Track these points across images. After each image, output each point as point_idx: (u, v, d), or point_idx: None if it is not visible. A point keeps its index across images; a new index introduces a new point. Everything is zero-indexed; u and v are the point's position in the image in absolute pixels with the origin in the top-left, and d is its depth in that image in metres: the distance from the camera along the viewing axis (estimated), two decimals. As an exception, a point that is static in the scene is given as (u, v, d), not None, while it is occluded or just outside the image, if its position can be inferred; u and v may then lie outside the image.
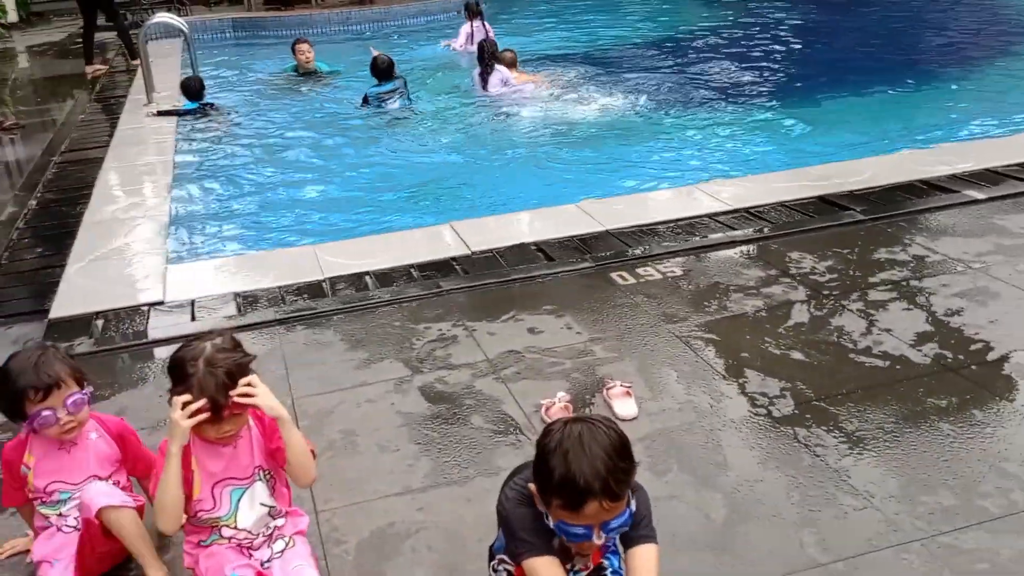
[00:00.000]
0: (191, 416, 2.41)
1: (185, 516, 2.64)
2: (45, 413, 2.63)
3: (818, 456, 3.19)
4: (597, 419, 2.13)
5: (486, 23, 11.62)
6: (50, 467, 2.75)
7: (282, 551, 2.66)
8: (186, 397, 2.41)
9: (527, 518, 2.20)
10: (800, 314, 4.28)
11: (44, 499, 2.76)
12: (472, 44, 10.76)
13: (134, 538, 2.65)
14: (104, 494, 2.67)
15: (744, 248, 5.11)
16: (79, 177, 7.30)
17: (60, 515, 2.76)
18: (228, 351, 2.52)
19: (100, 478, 2.79)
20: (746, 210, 5.67)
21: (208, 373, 2.43)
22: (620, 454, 2.06)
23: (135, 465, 2.90)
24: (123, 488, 2.85)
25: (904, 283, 4.53)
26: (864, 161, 6.53)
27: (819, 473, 3.10)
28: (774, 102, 8.94)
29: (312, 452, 2.69)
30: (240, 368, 2.50)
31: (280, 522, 2.71)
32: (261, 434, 2.64)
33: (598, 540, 2.27)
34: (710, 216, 5.60)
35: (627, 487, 2.11)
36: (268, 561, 2.64)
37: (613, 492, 2.05)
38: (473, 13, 11.74)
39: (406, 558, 2.82)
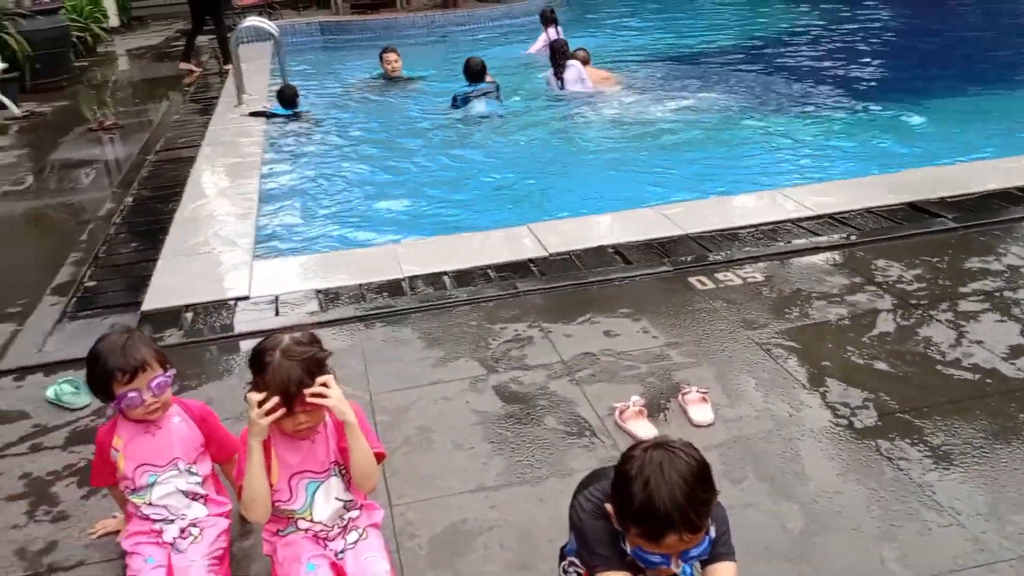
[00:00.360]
0: (267, 414, 2.47)
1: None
2: (131, 394, 2.73)
3: (901, 470, 3.10)
4: (678, 445, 2.08)
5: (559, 29, 11.66)
6: (137, 451, 2.84)
7: (355, 542, 2.71)
8: (260, 396, 2.48)
9: (602, 532, 2.19)
10: (886, 323, 4.17)
11: (133, 487, 2.86)
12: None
13: None
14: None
15: (828, 255, 5.00)
16: (172, 175, 7.56)
17: (150, 504, 2.84)
18: (305, 345, 2.58)
19: (184, 460, 2.88)
20: (831, 216, 5.54)
21: (283, 365, 2.49)
22: (701, 484, 2.03)
23: (218, 449, 2.98)
24: (208, 480, 2.93)
25: (997, 294, 4.37)
26: (958, 167, 6.33)
27: (902, 487, 3.01)
28: (862, 106, 8.72)
29: (381, 455, 2.73)
30: (316, 363, 2.56)
31: (355, 514, 2.76)
32: (335, 431, 2.69)
33: (675, 568, 2.25)
34: (793, 222, 5.49)
35: (707, 517, 2.07)
36: (342, 552, 2.69)
37: (693, 524, 2.02)
38: (548, 20, 11.81)
39: (478, 555, 2.85)
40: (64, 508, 3.23)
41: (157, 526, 2.83)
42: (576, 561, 2.39)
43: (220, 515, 2.94)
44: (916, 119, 8.18)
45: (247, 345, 4.43)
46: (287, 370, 2.49)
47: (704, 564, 2.22)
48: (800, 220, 5.52)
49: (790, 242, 5.18)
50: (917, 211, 5.51)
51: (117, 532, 2.98)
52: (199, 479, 2.92)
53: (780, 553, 2.75)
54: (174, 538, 2.82)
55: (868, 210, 5.59)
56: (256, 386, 2.55)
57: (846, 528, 2.84)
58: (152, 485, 2.84)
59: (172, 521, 2.84)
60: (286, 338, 2.57)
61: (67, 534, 3.09)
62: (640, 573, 2.26)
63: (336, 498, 2.73)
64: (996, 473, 3.05)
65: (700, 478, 2.03)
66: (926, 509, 2.89)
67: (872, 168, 6.76)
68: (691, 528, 2.03)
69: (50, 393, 3.99)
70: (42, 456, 3.58)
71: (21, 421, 3.86)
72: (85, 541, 3.03)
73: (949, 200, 5.61)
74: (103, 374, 2.72)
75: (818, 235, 5.25)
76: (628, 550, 2.14)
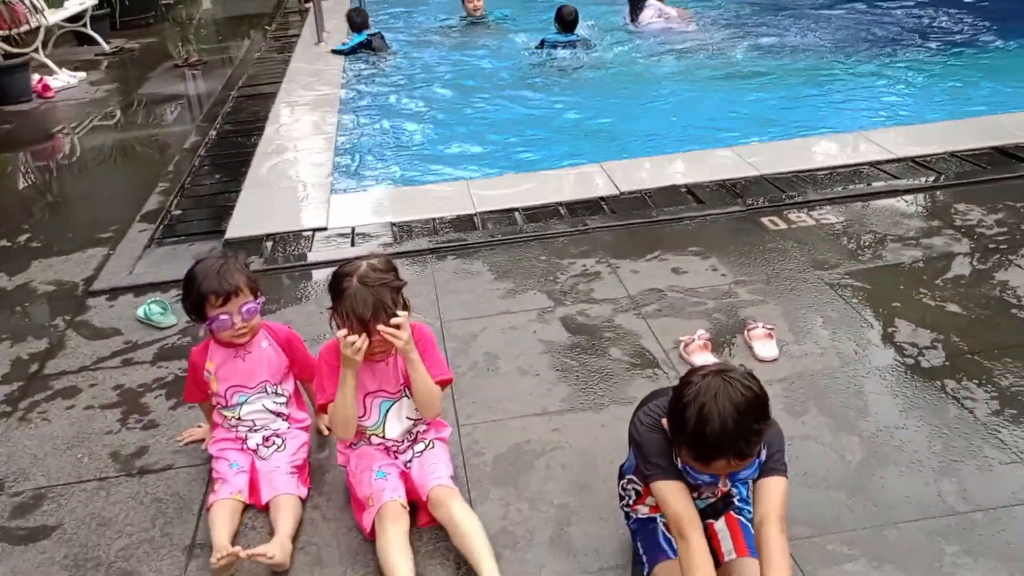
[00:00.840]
0: (356, 351, 2.60)
1: None
2: (223, 317, 2.87)
3: (966, 408, 3.09)
4: (737, 375, 2.09)
5: None
6: (229, 373, 3.01)
7: (422, 452, 2.84)
8: (348, 336, 2.59)
9: (659, 444, 2.25)
10: (961, 267, 4.10)
11: (224, 404, 3.03)
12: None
13: (285, 518, 2.76)
14: (283, 482, 2.87)
15: (907, 198, 4.91)
16: (254, 110, 7.76)
17: (239, 419, 3.02)
18: (382, 272, 2.67)
19: (272, 383, 3.04)
20: (912, 159, 5.42)
21: (359, 292, 2.59)
22: (755, 415, 2.05)
23: (300, 370, 3.14)
24: (291, 398, 3.09)
25: (1082, 240, 4.25)
26: (1050, 111, 6.08)
27: (965, 425, 3.00)
28: (951, 48, 8.39)
29: (447, 381, 2.84)
30: (391, 290, 2.65)
31: (423, 428, 2.89)
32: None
33: (723, 487, 2.31)
34: (872, 164, 5.39)
35: (757, 446, 2.11)
36: (410, 461, 2.83)
37: (742, 452, 2.07)
38: None
39: (539, 473, 2.95)
40: (154, 417, 3.44)
41: (243, 434, 3.01)
42: (635, 479, 2.48)
43: (301, 429, 3.11)
44: (1005, 62, 7.85)
45: (324, 273, 4.59)
46: (363, 297, 2.59)
47: (755, 478, 2.27)
48: (880, 163, 5.41)
49: (868, 184, 5.10)
50: (1003, 155, 5.36)
51: (202, 440, 3.17)
52: (284, 399, 3.09)
53: (837, 483, 2.79)
54: (257, 445, 3.00)
55: (952, 154, 5.45)
56: (335, 310, 2.68)
57: (905, 462, 2.85)
58: (242, 404, 3.01)
59: (257, 431, 3.02)
60: (364, 264, 2.66)
61: (156, 440, 3.30)
62: (695, 489, 2.34)
63: (407, 417, 2.86)
64: (1065, 416, 3.02)
65: (754, 409, 2.05)
66: (989, 447, 2.89)
67: (959, 112, 6.55)
68: (739, 456, 2.07)
69: (140, 312, 4.22)
70: (133, 370, 3.80)
71: (114, 337, 4.09)
72: (173, 447, 3.23)
73: (1037, 145, 5.43)
74: (198, 296, 2.86)
75: (897, 178, 5.15)
76: (679, 465, 2.21)
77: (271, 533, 2.74)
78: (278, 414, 3.06)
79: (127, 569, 2.68)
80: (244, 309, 2.90)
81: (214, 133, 7.25)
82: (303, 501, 2.87)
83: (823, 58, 8.34)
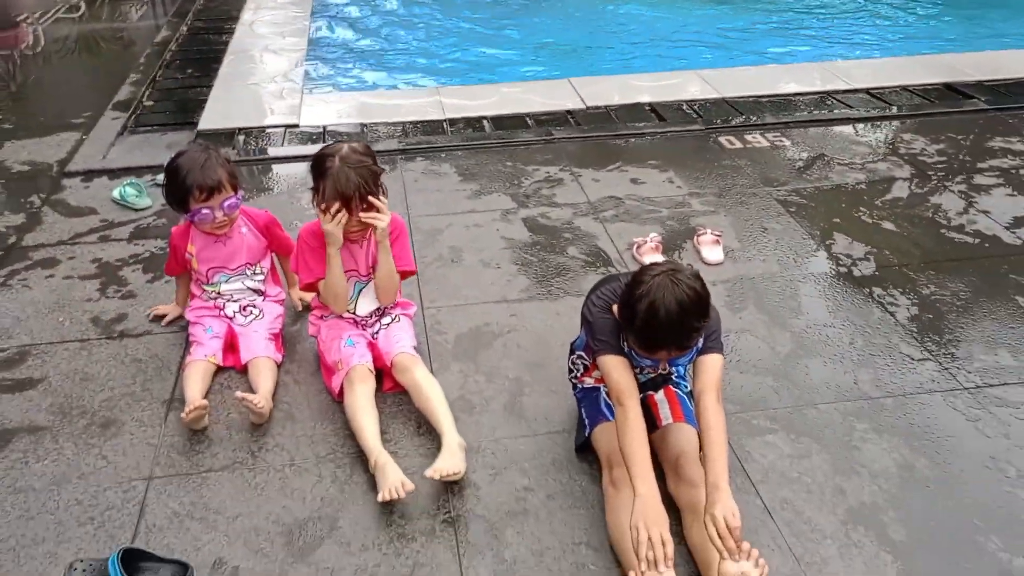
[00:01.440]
0: (333, 219, 2.77)
1: (316, 293, 3.05)
2: (204, 211, 2.99)
3: (889, 312, 3.38)
4: (684, 275, 2.26)
5: None
6: (209, 256, 3.16)
7: (388, 324, 3.06)
8: (334, 209, 2.75)
9: (608, 324, 2.46)
10: (900, 190, 4.37)
11: (205, 281, 3.20)
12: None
13: (266, 378, 2.95)
14: (261, 346, 3.06)
15: (858, 126, 5.15)
16: (224, 8, 7.75)
17: (219, 294, 3.20)
18: (361, 154, 2.82)
19: (251, 264, 3.21)
20: (867, 90, 5.66)
21: (342, 171, 2.75)
22: (697, 313, 2.24)
23: (278, 249, 3.30)
24: (268, 274, 3.28)
25: (1013, 171, 4.54)
26: (1001, 53, 6.34)
27: (886, 326, 3.29)
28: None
29: (410, 272, 3.05)
30: (372, 173, 2.80)
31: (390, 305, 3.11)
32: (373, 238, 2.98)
33: (663, 370, 2.55)
34: (829, 93, 5.62)
35: (696, 340, 2.33)
36: (376, 332, 3.05)
37: (683, 345, 2.29)
38: None
39: (497, 351, 3.19)
40: (132, 288, 3.61)
41: (221, 304, 3.19)
42: (583, 354, 2.72)
43: (275, 302, 3.30)
44: (970, 3, 8.08)
45: (295, 168, 4.74)
46: (346, 176, 2.74)
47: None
48: (835, 92, 5.64)
49: (823, 111, 5.33)
50: (952, 92, 5.61)
51: (164, 317, 3.34)
52: (262, 276, 3.27)
53: (766, 370, 3.07)
54: (235, 313, 3.19)
55: (905, 87, 5.69)
56: (316, 190, 2.83)
57: (829, 354, 3.14)
58: (222, 282, 3.19)
59: (235, 302, 3.20)
60: (345, 147, 2.81)
61: (135, 309, 3.47)
62: (637, 365, 2.59)
63: (376, 297, 3.06)
64: (976, 321, 3.31)
65: (696, 307, 2.25)
66: (905, 345, 3.18)
67: (916, 49, 6.79)
68: (680, 348, 2.30)
69: (115, 194, 4.34)
70: (110, 246, 3.95)
71: (90, 216, 4.22)
72: (149, 315, 3.41)
73: (986, 83, 5.70)
74: (181, 188, 2.96)
75: (850, 107, 5.39)
76: (625, 348, 2.44)
77: (248, 392, 2.95)
78: (256, 290, 3.25)
79: (110, 417, 2.88)
80: (226, 204, 3.01)
81: (185, 29, 7.24)
82: (278, 366, 3.08)
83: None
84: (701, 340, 2.41)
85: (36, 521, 2.48)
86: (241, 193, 3.11)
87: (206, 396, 2.93)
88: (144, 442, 2.77)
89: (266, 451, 2.74)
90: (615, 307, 2.43)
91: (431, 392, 2.80)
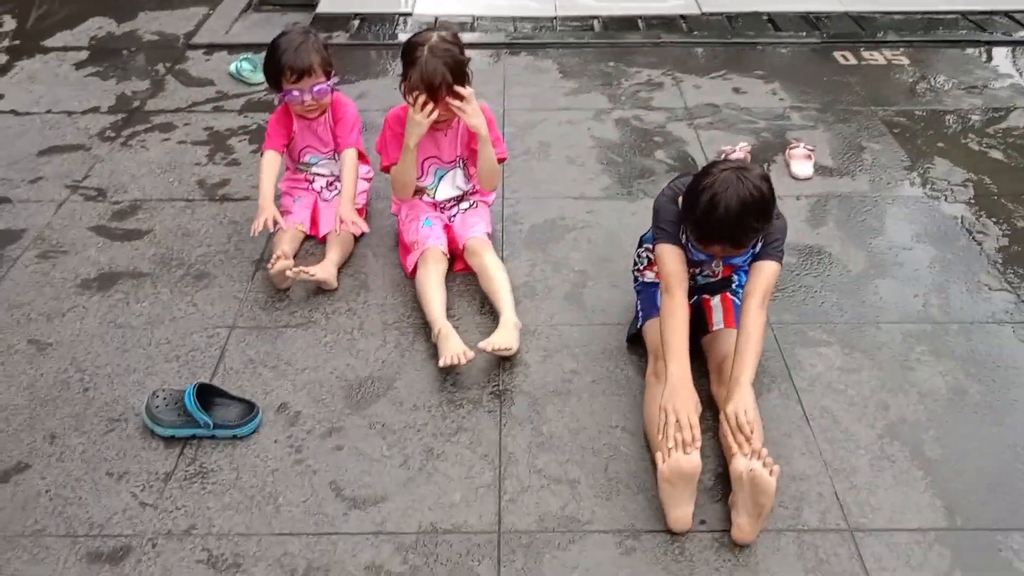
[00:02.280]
0: (423, 111, 2.85)
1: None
2: (295, 92, 3.10)
3: (976, 240, 3.28)
4: (751, 174, 2.26)
5: None
6: (302, 137, 3.30)
7: (466, 209, 3.18)
8: (421, 100, 2.84)
9: (672, 214, 2.49)
10: (1018, 119, 4.15)
11: (297, 158, 3.36)
12: None
13: (336, 248, 3.10)
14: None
15: (986, 49, 4.87)
16: None
17: (311, 172, 3.37)
18: (450, 43, 2.89)
19: (339, 151, 3.31)
20: (1006, 13, 5.30)
21: (429, 62, 2.81)
22: (757, 213, 2.24)
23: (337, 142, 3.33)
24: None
25: None
26: None
27: (969, 254, 3.20)
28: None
29: (502, 159, 3.11)
30: (457, 63, 2.86)
31: (470, 190, 3.22)
32: (465, 132, 3.07)
33: (717, 268, 2.57)
34: (963, 13, 5.30)
35: (752, 240, 2.34)
36: (454, 215, 3.18)
37: (738, 243, 2.31)
38: None
39: (568, 244, 3.28)
40: (236, 157, 3.85)
41: (310, 177, 3.38)
42: (650, 247, 2.77)
43: (364, 179, 3.45)
44: None
45: (403, 54, 4.85)
46: (432, 66, 2.81)
47: (752, 260, 2.53)
48: (971, 13, 5.31)
49: (951, 32, 5.05)
50: (1102, 19, 5.20)
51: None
52: None
53: (834, 285, 3.05)
54: (321, 188, 3.38)
55: (1050, 12, 5.31)
56: (405, 76, 2.91)
57: (903, 276, 3.09)
58: (313, 163, 3.36)
59: (323, 177, 3.38)
60: (434, 35, 2.87)
61: (237, 176, 3.71)
62: (696, 266, 2.63)
63: (457, 186, 3.18)
64: (1069, 259, 3.19)
65: (758, 207, 2.25)
66: (984, 274, 3.10)
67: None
68: (735, 245, 2.32)
69: (232, 68, 4.57)
70: (223, 116, 4.19)
71: (207, 87, 4.47)
72: (252, 183, 3.62)
73: None
74: (275, 67, 3.07)
75: (983, 29, 5.08)
76: (682, 239, 2.49)
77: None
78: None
79: (204, 271, 3.13)
80: (316, 89, 3.09)
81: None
82: (356, 239, 3.26)
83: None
84: (760, 243, 2.42)
85: (130, 353, 2.76)
86: (334, 79, 3.18)
87: (295, 258, 3.14)
88: (231, 295, 3.02)
89: (339, 314, 2.94)
90: (680, 197, 2.46)
91: (496, 274, 2.92)
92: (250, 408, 2.51)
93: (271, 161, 3.17)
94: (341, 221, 3.06)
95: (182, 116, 4.18)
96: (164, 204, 3.51)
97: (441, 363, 2.61)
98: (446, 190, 3.20)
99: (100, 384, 2.64)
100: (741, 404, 2.19)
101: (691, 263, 2.58)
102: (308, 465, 2.38)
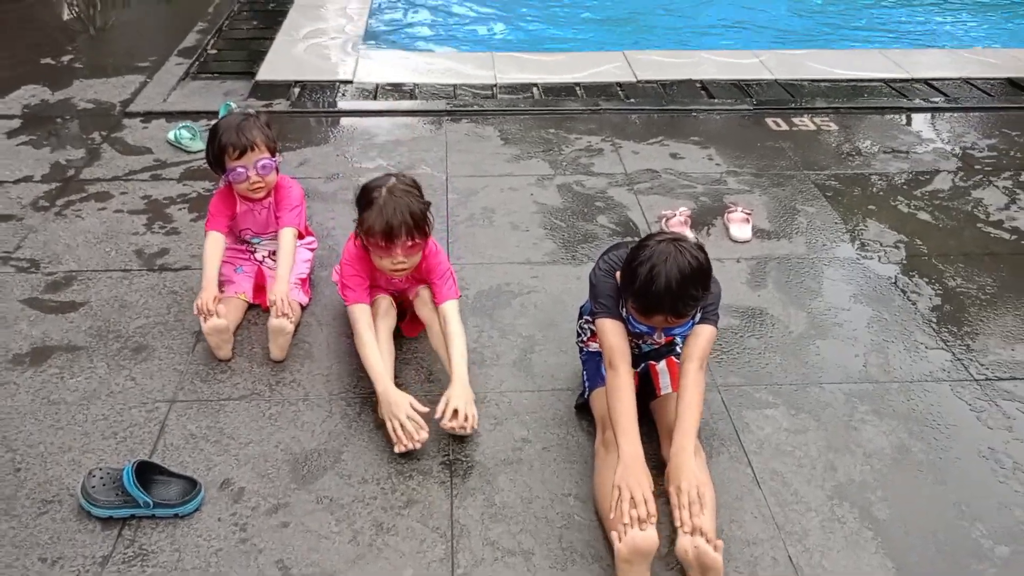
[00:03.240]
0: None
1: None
2: (239, 169, 3.06)
3: (910, 300, 3.37)
4: (688, 245, 2.30)
5: None
6: (244, 220, 3.26)
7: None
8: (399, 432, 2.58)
9: (610, 288, 2.51)
10: (943, 182, 4.32)
11: (239, 236, 3.32)
12: None
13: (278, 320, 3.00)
14: (291, 289, 3.13)
15: (908, 115, 5.08)
16: (296, -36, 7.86)
17: (249, 247, 3.33)
18: (409, 186, 2.77)
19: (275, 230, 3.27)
20: (925, 81, 5.56)
21: (389, 199, 2.68)
22: (696, 282, 2.28)
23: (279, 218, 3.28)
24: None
25: (1064, 171, 4.45)
26: (1072, 51, 6.15)
27: (905, 314, 3.29)
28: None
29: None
30: (419, 205, 2.71)
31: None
32: (419, 274, 2.96)
33: (659, 339, 2.60)
34: (885, 81, 5.54)
35: (693, 310, 2.36)
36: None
37: (678, 312, 2.32)
38: None
39: (514, 310, 3.28)
40: (176, 226, 3.78)
41: (252, 248, 3.33)
42: (590, 319, 2.79)
43: (307, 248, 3.43)
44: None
45: (346, 121, 4.88)
46: (392, 207, 2.66)
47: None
48: (892, 80, 5.56)
49: (876, 99, 5.26)
50: (1014, 87, 5.48)
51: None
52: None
53: (777, 346, 3.10)
54: (264, 257, 3.34)
55: (965, 80, 5.58)
56: (361, 223, 2.74)
57: (843, 337, 3.16)
58: (256, 242, 3.33)
59: (266, 248, 3.34)
60: (393, 179, 2.76)
61: (177, 245, 3.64)
62: (639, 338, 2.65)
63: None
64: (998, 316, 3.29)
65: (697, 277, 2.28)
66: (920, 333, 3.18)
67: (983, 43, 6.62)
68: (676, 315, 2.33)
69: (171, 136, 4.52)
70: (161, 184, 4.13)
71: (145, 155, 4.41)
72: (192, 252, 3.57)
73: (1051, 81, 5.55)
74: (218, 147, 3.05)
75: (905, 96, 5.31)
76: (623, 312, 2.50)
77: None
78: None
79: (143, 343, 3.05)
80: (259, 164, 3.06)
81: (255, -18, 7.39)
82: (303, 308, 3.22)
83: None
84: (699, 313, 2.45)
85: (65, 431, 2.66)
86: (279, 157, 3.15)
87: (237, 329, 3.09)
88: (171, 368, 2.94)
89: (283, 385, 2.88)
90: (618, 273, 2.48)
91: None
92: (192, 485, 2.42)
93: (215, 242, 3.12)
94: (272, 303, 2.94)
95: (119, 185, 4.11)
96: (100, 275, 3.42)
97: (397, 450, 2.56)
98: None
99: (32, 464, 2.53)
100: (692, 479, 2.18)
101: (632, 334, 2.60)
102: (253, 544, 2.30)
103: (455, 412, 2.58)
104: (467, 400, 2.63)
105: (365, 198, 2.75)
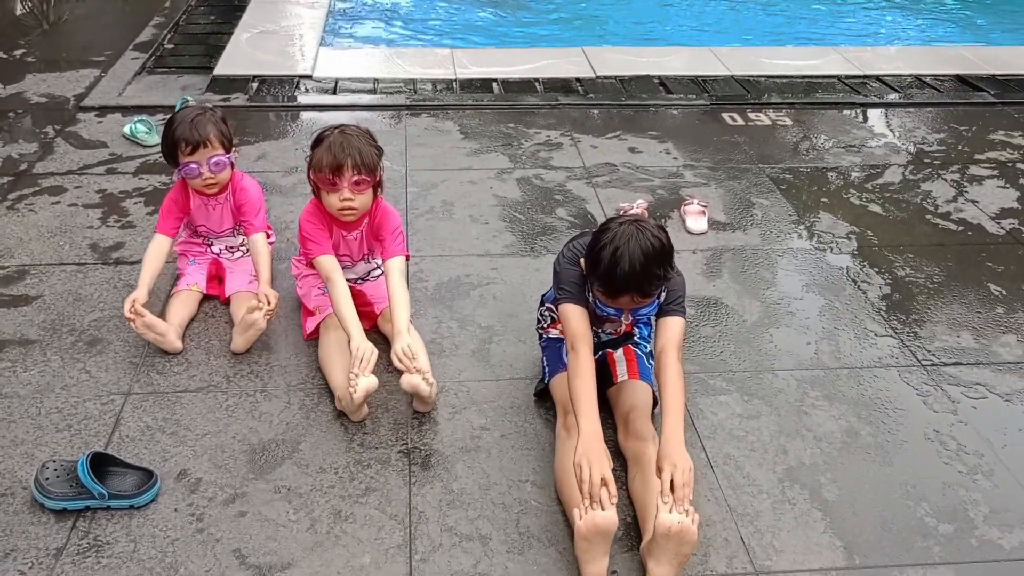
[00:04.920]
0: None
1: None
2: (192, 165, 3.02)
3: (860, 289, 3.45)
4: (649, 226, 2.35)
5: None
6: (199, 216, 3.23)
7: (378, 276, 3.14)
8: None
9: (574, 275, 2.56)
10: (893, 175, 4.42)
11: (194, 231, 3.30)
12: None
13: (243, 312, 3.00)
14: (244, 281, 3.18)
15: (861, 111, 5.18)
16: (254, -41, 7.81)
17: (205, 241, 3.31)
18: (363, 132, 2.82)
19: (237, 228, 3.27)
20: (877, 77, 5.67)
21: (339, 136, 2.74)
22: (659, 261, 2.32)
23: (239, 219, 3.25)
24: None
25: (1010, 164, 4.56)
26: (1018, 49, 6.30)
27: (855, 303, 3.37)
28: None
29: (407, 257, 3.03)
30: (370, 142, 2.77)
31: (378, 260, 3.18)
32: (371, 232, 3.01)
33: (626, 320, 2.64)
34: (839, 77, 5.64)
35: (658, 289, 2.40)
36: (364, 280, 3.15)
37: (644, 292, 2.36)
38: None
39: (473, 300, 3.30)
40: (131, 219, 3.75)
41: (209, 241, 3.31)
42: (552, 306, 2.82)
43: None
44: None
45: (305, 116, 4.87)
46: (340, 142, 2.72)
47: (657, 317, 2.59)
48: (846, 77, 5.66)
49: (829, 94, 5.35)
50: (963, 83, 5.61)
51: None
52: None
53: (731, 335, 3.16)
54: (220, 251, 3.32)
55: (916, 76, 5.70)
56: (313, 158, 2.77)
57: (795, 325, 3.22)
58: (211, 239, 3.30)
59: (222, 241, 3.32)
60: (346, 126, 2.81)
61: (132, 239, 3.61)
62: (599, 325, 2.69)
63: (363, 269, 3.16)
64: (945, 304, 3.38)
65: (659, 256, 2.33)
66: (870, 321, 3.26)
67: (934, 40, 6.77)
68: (642, 294, 2.37)
69: (126, 130, 4.48)
70: (116, 178, 4.09)
71: (100, 149, 4.37)
72: (147, 245, 3.52)
73: (998, 77, 5.68)
74: (171, 141, 3.01)
75: (857, 92, 5.41)
76: (590, 298, 2.54)
77: (228, 322, 3.10)
78: (243, 244, 3.34)
79: (98, 336, 3.02)
80: (212, 161, 3.02)
81: (213, -24, 7.33)
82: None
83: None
84: (664, 294, 2.48)
85: (17, 424, 2.63)
86: (233, 154, 3.11)
87: (191, 322, 3.08)
88: (127, 360, 2.92)
89: (240, 377, 2.87)
90: (582, 260, 2.51)
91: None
92: (148, 476, 2.41)
93: (158, 247, 3.06)
94: (268, 301, 2.91)
95: (73, 179, 4.06)
96: (54, 269, 3.39)
97: (357, 398, 2.56)
98: (354, 274, 3.15)
99: (-16, 458, 2.50)
100: (686, 463, 2.20)
101: (597, 320, 2.63)
102: (210, 533, 2.30)
103: (403, 353, 2.59)
104: (417, 342, 2.68)
105: (318, 138, 2.81)
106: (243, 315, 2.93)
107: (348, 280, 3.09)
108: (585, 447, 2.27)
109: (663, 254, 2.34)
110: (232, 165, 3.13)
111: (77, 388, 2.78)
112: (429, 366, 2.71)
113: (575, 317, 2.51)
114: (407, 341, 2.66)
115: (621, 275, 2.31)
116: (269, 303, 2.91)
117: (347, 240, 3.02)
